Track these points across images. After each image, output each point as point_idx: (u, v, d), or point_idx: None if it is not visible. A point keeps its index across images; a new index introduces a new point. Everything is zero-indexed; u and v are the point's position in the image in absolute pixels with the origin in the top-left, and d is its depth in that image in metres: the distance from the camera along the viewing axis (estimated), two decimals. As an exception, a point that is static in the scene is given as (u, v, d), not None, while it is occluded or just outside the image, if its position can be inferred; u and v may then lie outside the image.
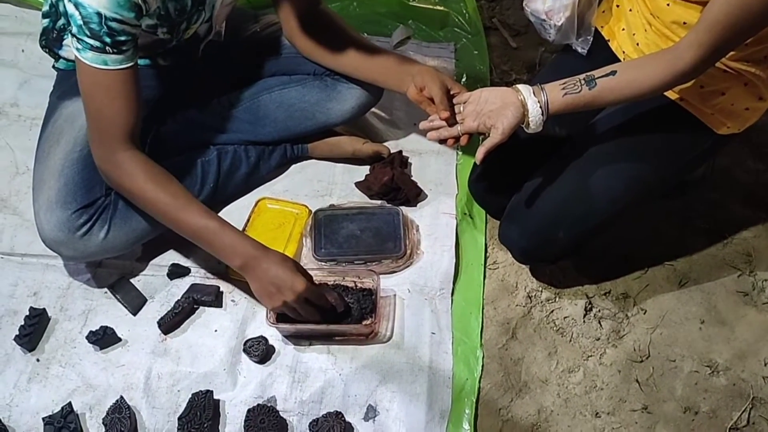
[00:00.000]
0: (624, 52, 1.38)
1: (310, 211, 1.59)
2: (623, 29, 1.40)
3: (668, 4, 1.25)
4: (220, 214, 1.57)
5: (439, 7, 2.02)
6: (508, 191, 1.50)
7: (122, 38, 1.17)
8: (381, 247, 1.52)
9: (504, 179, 1.51)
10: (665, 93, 1.33)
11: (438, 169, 1.69)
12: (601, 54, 1.42)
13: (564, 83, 1.23)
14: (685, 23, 1.21)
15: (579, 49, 1.49)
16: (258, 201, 1.61)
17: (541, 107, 1.23)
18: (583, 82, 1.22)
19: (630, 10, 1.38)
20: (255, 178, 1.64)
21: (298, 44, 1.53)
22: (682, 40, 1.15)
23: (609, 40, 1.43)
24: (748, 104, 1.30)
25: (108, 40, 1.16)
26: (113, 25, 1.14)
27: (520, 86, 1.26)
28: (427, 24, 1.99)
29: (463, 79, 1.87)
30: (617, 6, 1.43)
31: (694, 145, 1.36)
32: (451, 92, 1.41)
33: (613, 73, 1.20)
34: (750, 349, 1.43)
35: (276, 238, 1.55)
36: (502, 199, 1.51)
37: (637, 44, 1.35)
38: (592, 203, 1.36)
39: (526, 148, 1.48)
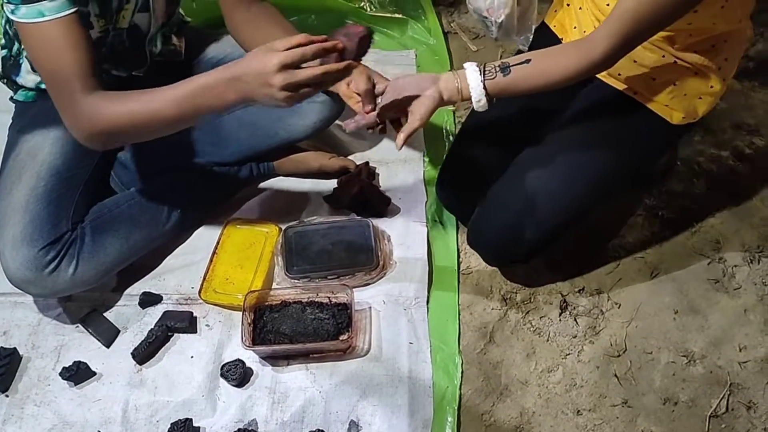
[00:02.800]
0: None
1: (280, 229, 1.59)
2: (575, 27, 1.42)
3: (608, 4, 1.27)
4: (189, 239, 1.60)
5: (397, 15, 2.03)
6: (475, 195, 1.50)
7: None
8: (354, 261, 1.51)
9: (470, 183, 1.52)
10: (620, 88, 1.35)
11: (406, 178, 1.69)
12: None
13: (483, 68, 1.23)
14: None
15: (521, 47, 1.51)
16: (227, 223, 1.60)
17: (458, 90, 1.24)
18: (498, 69, 1.23)
19: (580, 8, 1.40)
20: (222, 200, 1.63)
21: (240, 37, 1.48)
22: (595, 31, 1.18)
23: (563, 39, 1.45)
24: (701, 93, 1.33)
25: None
26: None
27: (445, 74, 1.27)
28: (386, 33, 1.99)
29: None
30: (567, 5, 1.45)
31: (652, 137, 1.38)
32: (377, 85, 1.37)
33: (528, 61, 1.22)
34: (725, 336, 1.45)
35: (247, 259, 1.54)
36: (470, 204, 1.52)
37: (584, 32, 1.37)
38: (556, 202, 1.37)
39: (491, 151, 1.50)
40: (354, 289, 1.47)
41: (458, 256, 1.57)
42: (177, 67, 1.57)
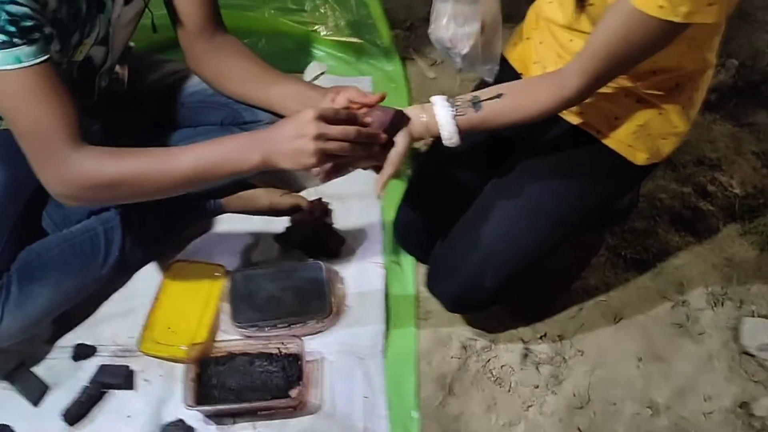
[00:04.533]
0: None
1: (227, 271, 1.49)
2: (535, 62, 1.36)
3: (570, 40, 1.22)
4: (127, 283, 1.49)
5: (352, 39, 1.95)
6: (434, 236, 1.43)
7: (27, 24, 1.00)
8: (305, 308, 1.42)
9: (429, 224, 1.45)
10: (583, 127, 1.30)
11: (361, 214, 1.61)
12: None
13: (453, 103, 1.16)
14: None
15: (486, 78, 1.45)
16: (170, 265, 1.49)
17: (426, 127, 1.16)
18: (469, 104, 1.16)
19: (540, 42, 1.34)
20: (166, 241, 1.52)
21: (202, 72, 1.39)
22: (567, 67, 1.14)
23: (523, 74, 1.39)
24: (665, 133, 1.28)
25: (12, 28, 0.99)
26: (12, 8, 0.99)
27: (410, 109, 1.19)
28: (342, 58, 1.91)
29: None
30: (527, 38, 1.39)
31: (615, 177, 1.33)
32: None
33: (499, 95, 1.16)
34: (689, 384, 1.40)
35: (192, 305, 1.44)
36: (429, 244, 1.45)
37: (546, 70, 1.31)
38: (516, 248, 1.31)
39: (451, 186, 1.43)
40: (306, 338, 1.39)
41: (416, 300, 1.50)
42: (118, 97, 1.46)
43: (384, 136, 1.12)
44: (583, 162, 1.31)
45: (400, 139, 1.16)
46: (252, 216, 1.58)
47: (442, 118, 1.16)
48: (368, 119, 1.12)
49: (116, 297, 1.46)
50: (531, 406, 1.38)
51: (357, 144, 1.08)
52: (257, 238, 1.57)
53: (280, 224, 1.56)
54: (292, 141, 1.07)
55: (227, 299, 1.43)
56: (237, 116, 1.45)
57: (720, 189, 1.71)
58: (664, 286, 1.54)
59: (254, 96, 1.39)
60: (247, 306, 1.42)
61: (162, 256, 1.51)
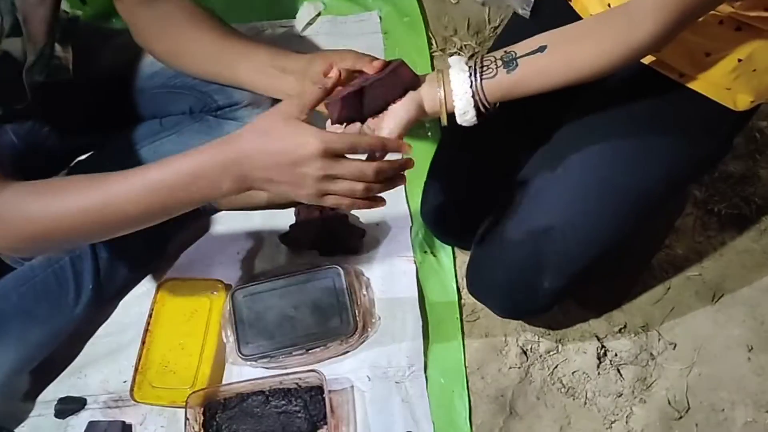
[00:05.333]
0: (593, 15, 0.99)
1: (227, 287, 1.23)
2: None
3: None
4: (112, 314, 1.25)
5: (352, -35, 1.58)
6: (472, 217, 1.13)
7: None
8: (324, 327, 1.16)
9: (464, 204, 1.15)
10: (659, 69, 0.95)
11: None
12: (566, 19, 1.02)
13: (476, 66, 0.87)
14: None
15: (520, 11, 1.10)
16: (159, 286, 1.24)
17: (440, 101, 0.87)
18: (500, 62, 0.86)
19: None
20: (151, 257, 1.27)
21: (153, 49, 1.10)
22: (636, 6, 0.80)
23: (573, 6, 1.03)
24: None
25: None
26: None
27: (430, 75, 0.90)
28: (339, -8, 1.56)
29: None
30: None
31: (710, 132, 0.99)
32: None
33: (542, 48, 0.85)
34: (817, 377, 1.11)
35: (190, 335, 1.20)
36: (467, 228, 1.15)
37: (609, 5, 0.96)
38: (582, 237, 0.99)
39: (487, 161, 1.12)
40: (329, 363, 1.14)
41: (459, 299, 1.22)
42: (64, 88, 1.17)
43: (406, 145, 0.83)
44: (662, 117, 0.97)
45: (406, 105, 0.87)
46: (251, 212, 1.31)
47: (457, 86, 0.86)
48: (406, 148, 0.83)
49: (101, 333, 1.23)
50: (615, 420, 1.12)
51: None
52: (259, 240, 1.29)
53: (285, 220, 1.29)
54: (285, 171, 0.77)
55: (229, 325, 1.18)
56: (208, 101, 1.16)
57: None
58: (775, 246, 1.22)
59: (218, 74, 1.08)
60: (254, 332, 1.17)
61: (150, 274, 1.27)
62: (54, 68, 1.15)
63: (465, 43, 1.48)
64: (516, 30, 1.12)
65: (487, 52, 0.97)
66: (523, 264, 1.02)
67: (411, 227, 1.27)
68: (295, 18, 1.52)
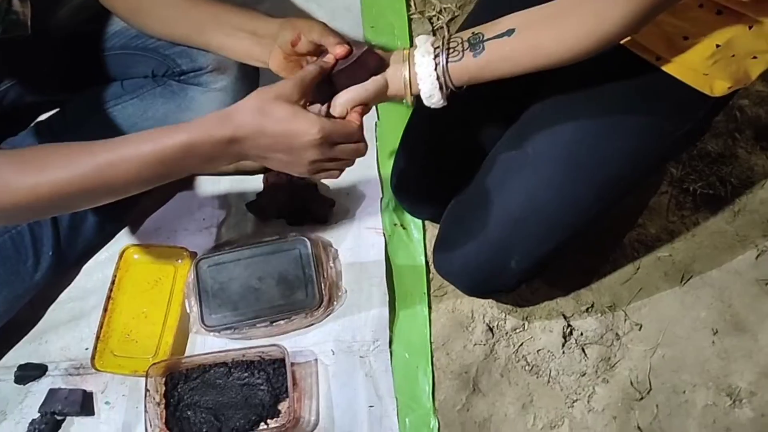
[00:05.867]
0: None
1: (192, 254, 1.21)
2: None
3: None
4: (75, 278, 1.23)
5: None
6: (442, 194, 1.11)
7: None
8: (289, 300, 1.14)
9: (434, 177, 1.13)
10: (636, 51, 0.92)
11: (353, 167, 1.27)
12: None
13: (442, 46, 0.83)
14: None
15: None
16: (122, 252, 1.22)
17: (406, 81, 0.84)
18: (467, 44, 0.82)
19: None
20: (114, 224, 1.24)
21: (113, 4, 1.03)
22: None
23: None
24: (755, 51, 0.89)
25: None
26: None
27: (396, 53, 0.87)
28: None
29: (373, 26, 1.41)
30: None
31: (684, 117, 0.96)
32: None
33: (510, 32, 0.81)
34: (780, 362, 1.11)
35: (153, 303, 1.19)
36: (437, 201, 1.13)
37: None
38: (552, 220, 0.97)
39: (458, 136, 1.09)
40: (294, 335, 1.14)
41: (427, 273, 1.20)
42: (23, 44, 1.12)
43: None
44: (636, 99, 0.94)
45: (372, 82, 0.83)
46: (219, 177, 1.28)
47: (421, 68, 0.82)
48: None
49: (64, 299, 1.21)
50: (576, 400, 1.11)
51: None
52: (227, 207, 1.26)
53: (253, 186, 1.26)
54: (282, 153, 0.78)
55: (193, 295, 1.16)
56: (171, 65, 1.11)
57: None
58: (746, 229, 1.20)
59: (186, 36, 1.02)
60: (218, 303, 1.15)
61: (112, 240, 1.24)
62: (10, 23, 1.09)
63: (444, 5, 1.42)
64: (490, 2, 1.08)
65: (460, 28, 0.93)
66: (491, 245, 1.00)
67: (381, 198, 1.25)
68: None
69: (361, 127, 0.82)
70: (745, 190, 1.23)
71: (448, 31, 1.39)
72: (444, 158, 1.11)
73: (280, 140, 0.77)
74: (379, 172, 1.27)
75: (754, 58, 0.90)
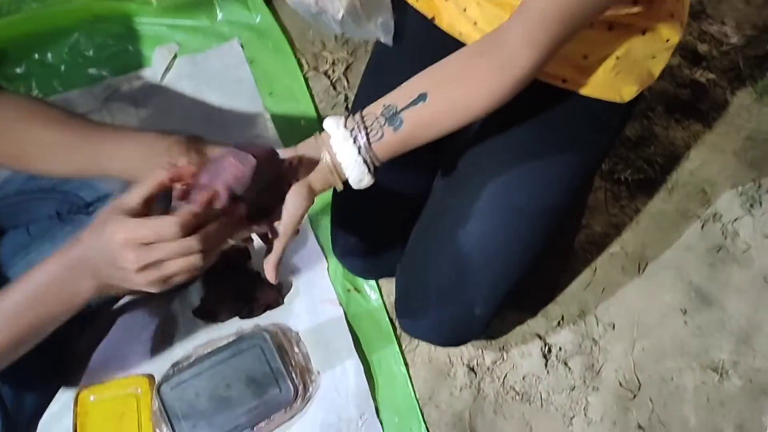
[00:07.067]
0: (461, 33, 0.93)
1: (151, 380, 1.15)
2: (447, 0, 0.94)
3: None
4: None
5: (197, -8, 1.45)
6: (387, 253, 1.09)
7: None
8: (263, 399, 1.09)
9: (377, 241, 1.10)
10: (542, 79, 0.91)
11: (293, 242, 1.23)
12: (434, 38, 0.96)
13: (359, 127, 0.79)
14: None
15: (382, 39, 1.03)
16: (76, 397, 1.14)
17: (332, 169, 0.79)
18: (383, 119, 0.78)
19: None
20: (56, 372, 1.15)
21: None
22: (509, 35, 0.75)
23: (434, 18, 0.97)
24: (654, 52, 0.90)
25: None
26: None
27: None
28: (191, 27, 1.43)
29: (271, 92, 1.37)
30: None
31: (601, 130, 0.96)
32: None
33: (423, 97, 0.78)
34: (751, 325, 1.13)
35: (124, 440, 1.11)
36: (387, 260, 1.11)
37: (475, 23, 0.91)
38: (506, 263, 0.96)
39: (392, 192, 1.06)
40: (279, 430, 1.09)
41: (395, 330, 1.18)
42: None
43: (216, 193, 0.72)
44: (556, 126, 0.93)
45: (295, 198, 0.78)
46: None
47: (344, 155, 0.78)
48: (216, 194, 0.72)
49: (25, 466, 1.12)
50: (574, 416, 1.11)
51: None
52: (172, 319, 1.20)
53: (195, 288, 1.20)
54: (112, 269, 0.71)
55: (164, 423, 1.10)
56: (74, 200, 1.04)
57: (714, 45, 1.34)
58: (685, 203, 1.22)
59: (82, 169, 0.95)
60: (191, 424, 1.09)
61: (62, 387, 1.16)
62: None
63: (336, 56, 1.39)
64: (384, 57, 1.06)
65: (359, 90, 0.90)
66: (452, 302, 0.98)
67: (328, 267, 1.21)
68: (151, 66, 1.40)
69: (180, 223, 0.70)
70: (673, 166, 1.25)
71: (347, 81, 1.36)
72: (381, 220, 1.08)
73: (102, 252, 0.71)
74: (318, 240, 1.23)
75: (654, 57, 0.91)
